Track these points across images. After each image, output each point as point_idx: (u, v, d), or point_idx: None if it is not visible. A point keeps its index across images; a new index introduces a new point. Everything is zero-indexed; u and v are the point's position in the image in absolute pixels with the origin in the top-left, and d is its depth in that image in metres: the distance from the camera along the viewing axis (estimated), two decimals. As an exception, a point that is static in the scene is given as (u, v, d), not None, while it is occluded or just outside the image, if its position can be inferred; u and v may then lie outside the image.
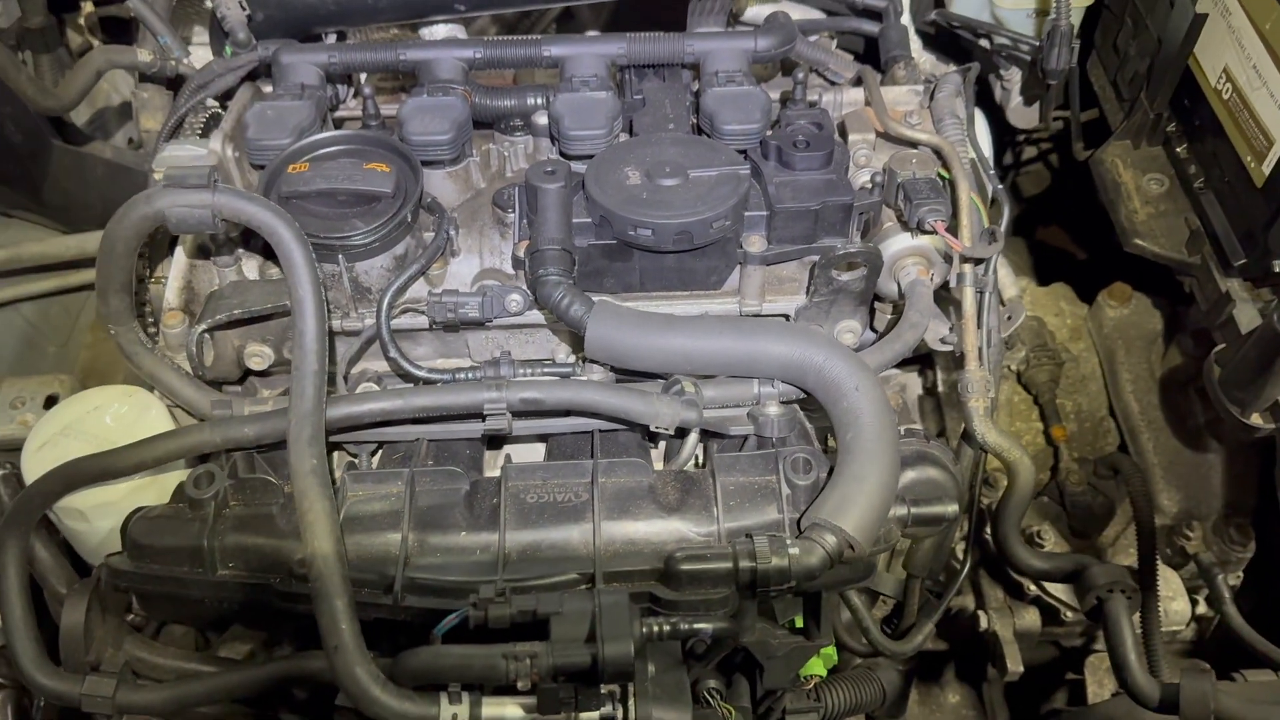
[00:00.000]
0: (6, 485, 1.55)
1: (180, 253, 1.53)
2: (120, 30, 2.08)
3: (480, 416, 1.40)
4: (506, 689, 1.17)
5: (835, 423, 1.37)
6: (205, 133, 1.77)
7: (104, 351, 2.28)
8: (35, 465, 1.44)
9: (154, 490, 1.45)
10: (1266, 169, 1.62)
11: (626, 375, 1.50)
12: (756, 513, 1.33)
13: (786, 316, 1.56)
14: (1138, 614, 1.61)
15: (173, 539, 1.32)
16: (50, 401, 1.97)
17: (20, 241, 2.03)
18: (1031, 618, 1.88)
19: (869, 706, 1.71)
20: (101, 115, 2.18)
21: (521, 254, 1.51)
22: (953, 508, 1.36)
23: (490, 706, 1.17)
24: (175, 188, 1.29)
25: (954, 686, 2.07)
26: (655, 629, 1.19)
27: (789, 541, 1.25)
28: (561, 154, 1.63)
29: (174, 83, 1.99)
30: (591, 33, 2.09)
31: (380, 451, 1.53)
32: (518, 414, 1.41)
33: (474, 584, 1.25)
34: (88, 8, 2.03)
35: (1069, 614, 1.85)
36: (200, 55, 1.99)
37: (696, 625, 1.20)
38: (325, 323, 1.30)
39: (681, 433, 1.45)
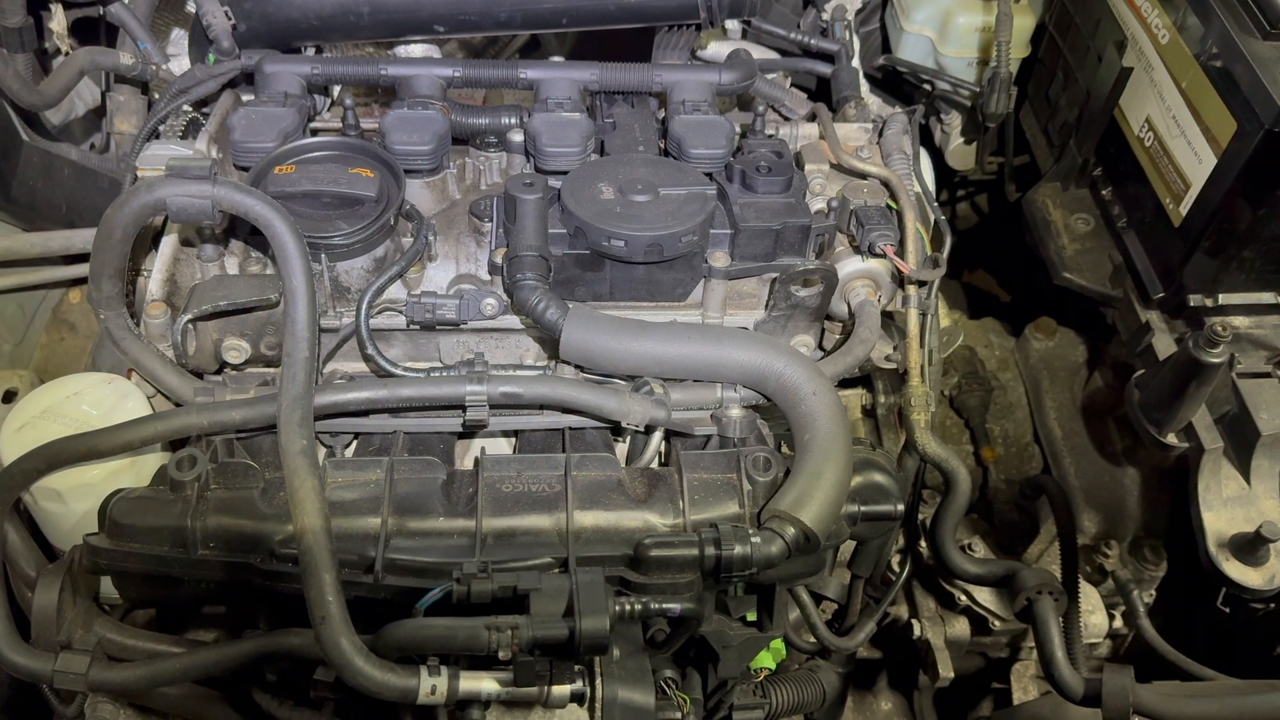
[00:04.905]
0: (-22, 469, 1.56)
1: (165, 247, 1.56)
2: (91, 32, 2.11)
3: (460, 408, 1.46)
4: (482, 663, 1.23)
5: (793, 424, 1.45)
6: (184, 135, 1.82)
7: (59, 351, 2.27)
8: (14, 447, 1.44)
9: (131, 474, 1.47)
10: (1183, 210, 1.74)
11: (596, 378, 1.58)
12: (719, 506, 1.41)
13: (746, 329, 1.65)
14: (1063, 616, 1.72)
15: (154, 519, 1.35)
16: (9, 396, 1.97)
17: (-15, 237, 2.03)
18: (961, 627, 1.98)
19: (810, 706, 1.79)
20: (67, 117, 2.20)
21: (499, 260, 1.57)
22: (899, 506, 1.45)
23: (468, 679, 1.22)
24: (177, 178, 1.33)
25: (887, 694, 2.15)
26: (628, 607, 1.25)
27: (751, 532, 1.33)
28: (537, 169, 1.70)
29: (146, 87, 2.04)
30: (556, 58, 2.18)
31: (355, 443, 1.58)
32: (494, 407, 1.48)
33: (452, 565, 1.30)
34: (59, 10, 2.05)
35: (996, 623, 1.95)
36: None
37: (665, 605, 1.27)
38: (316, 312, 1.35)
39: (648, 430, 1.53)
